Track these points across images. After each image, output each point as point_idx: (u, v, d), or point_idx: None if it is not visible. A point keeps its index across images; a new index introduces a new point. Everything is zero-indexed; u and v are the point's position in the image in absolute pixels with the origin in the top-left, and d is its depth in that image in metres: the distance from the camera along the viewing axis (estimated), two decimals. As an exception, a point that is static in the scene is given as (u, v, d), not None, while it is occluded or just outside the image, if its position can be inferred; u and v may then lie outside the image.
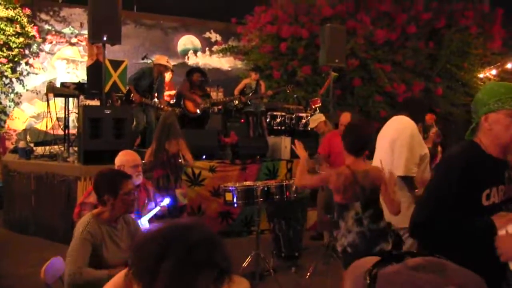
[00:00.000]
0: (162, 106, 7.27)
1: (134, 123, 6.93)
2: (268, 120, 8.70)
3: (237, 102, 8.48)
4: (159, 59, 7.27)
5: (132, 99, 7.05)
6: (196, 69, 8.20)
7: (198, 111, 7.77)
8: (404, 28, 10.33)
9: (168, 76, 9.09)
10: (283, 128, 8.70)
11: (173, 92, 9.11)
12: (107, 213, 2.72)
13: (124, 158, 3.62)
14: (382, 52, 10.13)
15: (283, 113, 8.92)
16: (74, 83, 7.83)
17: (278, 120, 8.77)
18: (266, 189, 4.50)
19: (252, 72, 8.56)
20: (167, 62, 7.31)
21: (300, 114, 8.76)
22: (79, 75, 10.70)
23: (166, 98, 8.23)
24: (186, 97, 7.75)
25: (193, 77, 7.83)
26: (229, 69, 12.52)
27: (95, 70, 6.62)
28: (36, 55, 10.39)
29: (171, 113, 5.17)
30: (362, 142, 3.00)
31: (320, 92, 9.15)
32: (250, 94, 8.37)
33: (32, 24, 10.17)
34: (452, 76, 10.85)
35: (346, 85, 10.08)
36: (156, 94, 7.27)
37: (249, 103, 8.34)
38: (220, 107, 8.94)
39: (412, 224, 1.91)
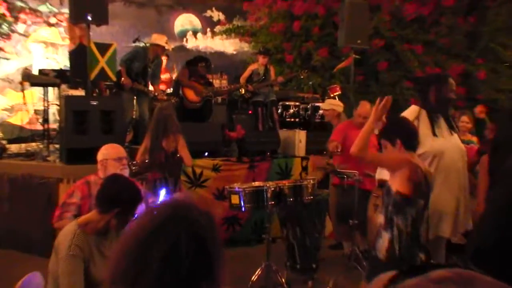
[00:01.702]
0: (157, 94, 7.29)
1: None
2: (279, 111, 8.71)
3: (243, 91, 8.47)
4: (157, 38, 7.28)
5: (122, 84, 7.07)
6: (200, 59, 8.19)
7: (199, 101, 7.78)
8: (439, 1, 10.25)
9: (163, 60, 9.10)
10: (296, 120, 8.70)
11: (167, 76, 9.10)
12: (98, 224, 2.71)
13: (106, 151, 3.71)
14: (412, 31, 10.08)
15: (297, 103, 8.91)
16: (54, 70, 7.86)
17: (291, 111, 8.77)
18: (278, 190, 4.50)
19: (260, 55, 8.55)
20: (166, 43, 7.32)
21: (317, 104, 8.74)
22: (60, 60, 10.71)
23: (162, 86, 8.26)
24: (185, 85, 7.76)
25: (197, 67, 7.85)
26: (234, 52, 12.52)
27: (79, 55, 6.66)
28: (7, 37, 10.17)
29: (168, 105, 5.17)
30: (417, 137, 3.22)
31: (335, 69, 9.12)
32: (259, 81, 8.37)
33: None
34: (497, 57, 10.67)
35: (369, 70, 10.05)
36: (150, 80, 7.31)
37: (257, 92, 8.35)
38: (224, 97, 8.95)
39: (475, 250, 1.85)
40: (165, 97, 7.57)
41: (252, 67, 8.58)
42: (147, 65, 7.13)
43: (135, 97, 7.22)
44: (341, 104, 6.72)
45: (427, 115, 3.94)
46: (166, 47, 7.41)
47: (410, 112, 4.02)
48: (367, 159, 3.30)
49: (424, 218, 3.11)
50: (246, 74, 8.47)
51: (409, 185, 3.02)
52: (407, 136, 3.15)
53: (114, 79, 7.06)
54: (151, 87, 7.31)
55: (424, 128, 3.86)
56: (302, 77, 9.05)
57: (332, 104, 6.55)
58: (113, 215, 2.65)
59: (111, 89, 7.60)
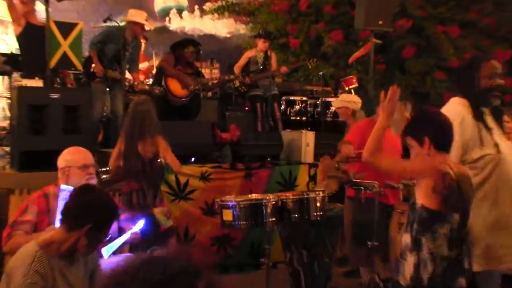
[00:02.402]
0: (136, 84, 7.28)
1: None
2: (282, 107, 8.71)
3: (238, 83, 8.47)
4: (135, 14, 7.23)
5: (92, 71, 7.03)
6: (188, 42, 8.16)
7: (186, 95, 7.76)
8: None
9: (141, 44, 9.06)
10: (303, 118, 8.71)
11: (145, 65, 9.07)
12: (63, 244, 2.69)
13: (69, 157, 3.67)
14: (447, 9, 10.11)
15: (304, 98, 8.92)
16: (3, 55, 7.77)
17: (297, 107, 8.77)
18: (280, 204, 4.48)
19: (259, 40, 8.54)
20: (146, 20, 7.29)
21: (328, 99, 8.73)
22: (11, 43, 10.55)
23: (141, 75, 8.25)
24: (169, 75, 7.73)
25: (184, 52, 7.82)
26: (228, 36, 12.51)
27: (28, 38, 6.61)
28: None
29: (145, 99, 5.14)
30: (451, 133, 3.17)
31: (350, 60, 9.11)
32: (257, 71, 8.35)
33: None
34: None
35: (393, 57, 10.08)
36: (128, 67, 7.31)
37: (255, 84, 8.34)
38: (215, 90, 8.93)
39: None
40: (146, 87, 7.56)
41: (249, 53, 8.58)
42: (123, 48, 7.09)
43: (107, 89, 7.20)
44: (358, 100, 6.70)
45: (472, 111, 3.82)
46: (147, 26, 7.37)
47: (453, 106, 3.89)
48: (380, 166, 3.32)
49: (464, 237, 3.08)
50: (241, 62, 8.47)
51: (436, 198, 3.01)
52: (438, 132, 3.13)
53: (80, 67, 7.03)
54: (128, 75, 7.29)
55: (470, 128, 3.78)
56: (310, 66, 9.04)
57: (345, 101, 6.53)
58: (84, 232, 2.64)
59: (78, 79, 7.57)
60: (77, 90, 7.13)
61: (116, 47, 7.08)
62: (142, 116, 4.78)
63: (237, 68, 8.47)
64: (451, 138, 3.18)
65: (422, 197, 3.05)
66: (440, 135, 3.13)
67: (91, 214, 2.67)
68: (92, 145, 6.31)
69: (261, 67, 8.35)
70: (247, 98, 8.59)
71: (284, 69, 8.70)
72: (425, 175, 3.05)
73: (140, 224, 3.95)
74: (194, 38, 9.33)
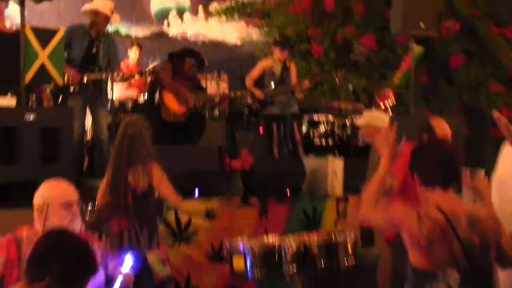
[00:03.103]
0: (122, 74, 7.32)
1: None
2: (304, 128, 8.72)
3: (250, 99, 8.46)
4: (96, 3, 7.25)
5: (67, 82, 6.98)
6: (187, 52, 8.21)
7: (184, 113, 7.75)
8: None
9: (133, 54, 9.11)
10: (330, 142, 8.69)
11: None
12: None
13: (47, 193, 3.58)
14: (506, 6, 10.04)
15: (330, 117, 8.91)
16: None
17: (322, 128, 8.77)
18: (302, 249, 4.46)
19: (276, 48, 8.54)
20: (111, 11, 7.25)
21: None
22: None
23: (130, 90, 8.25)
24: (166, 88, 7.74)
25: (183, 65, 7.85)
26: (238, 42, 12.59)
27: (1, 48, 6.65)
28: None
29: (137, 120, 5.13)
30: (454, 165, 3.14)
31: (395, 77, 9.08)
32: (274, 85, 8.35)
33: None
34: None
35: (438, 66, 10.05)
36: (107, 67, 7.26)
37: (271, 101, 8.32)
38: (223, 107, 8.93)
39: None
40: (136, 77, 7.58)
41: (264, 63, 8.59)
42: (90, 47, 7.15)
43: (87, 105, 7.20)
44: (384, 117, 6.61)
45: None
46: (111, 17, 7.29)
47: None
48: (373, 222, 3.41)
49: None
50: (255, 73, 8.47)
51: (416, 252, 2.97)
52: (425, 167, 3.14)
53: (61, 81, 7.05)
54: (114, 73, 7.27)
55: None
56: (337, 79, 9.01)
57: (370, 117, 6.45)
58: (45, 286, 2.60)
59: (56, 96, 7.59)
60: (56, 109, 7.13)
61: (83, 46, 7.14)
62: (130, 139, 4.78)
63: (249, 81, 8.44)
64: (446, 173, 3.12)
65: (410, 252, 3.01)
66: (427, 169, 3.13)
67: (55, 263, 2.60)
68: (75, 176, 6.34)
69: (279, 80, 8.33)
70: (261, 117, 8.58)
71: (306, 83, 8.68)
72: (400, 223, 3.03)
73: (128, 261, 3.89)
74: (196, 49, 9.33)
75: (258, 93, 8.32)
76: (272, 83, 8.38)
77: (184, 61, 7.87)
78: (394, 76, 9.06)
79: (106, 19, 7.28)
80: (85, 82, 7.03)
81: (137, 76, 8.22)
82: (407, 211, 3.06)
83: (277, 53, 8.43)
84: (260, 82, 8.42)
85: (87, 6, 7.26)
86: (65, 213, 3.53)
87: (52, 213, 3.53)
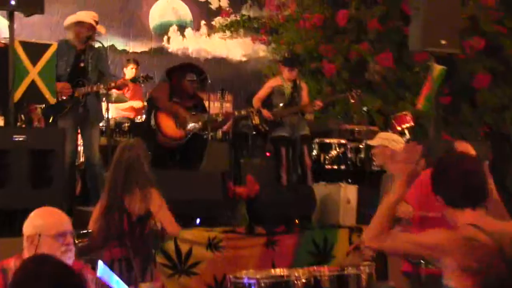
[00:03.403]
0: (114, 84, 7.22)
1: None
2: (314, 152, 8.69)
3: (257, 119, 8.49)
4: (80, 15, 7.27)
5: (57, 96, 6.95)
6: (188, 68, 8.26)
7: (180, 138, 7.75)
8: None
9: (130, 71, 9.15)
10: (342, 167, 8.69)
11: (139, 105, 9.13)
12: None
13: (39, 222, 3.55)
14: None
15: (343, 141, 8.91)
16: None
17: (333, 152, 8.74)
18: (312, 283, 4.49)
19: (285, 67, 8.57)
20: (96, 22, 7.26)
21: (374, 142, 8.73)
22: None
23: (127, 113, 8.27)
24: (162, 109, 7.76)
25: (183, 81, 7.88)
26: (243, 59, 12.63)
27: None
28: None
29: (134, 143, 5.17)
30: (481, 181, 3.14)
31: (418, 103, 9.02)
32: (283, 106, 8.37)
33: None
34: None
35: (461, 87, 10.05)
36: (99, 82, 7.24)
37: (280, 121, 8.33)
38: (226, 129, 8.94)
39: None
40: (128, 84, 7.60)
41: (273, 82, 8.63)
42: (78, 61, 7.17)
43: (77, 127, 7.21)
44: (399, 140, 6.62)
45: None
46: (97, 28, 7.29)
47: None
48: (384, 249, 3.31)
49: None
50: (263, 93, 8.49)
51: (468, 277, 2.92)
52: (450, 186, 3.13)
53: (53, 100, 7.08)
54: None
55: None
56: (353, 100, 9.02)
57: (384, 139, 6.45)
58: None
59: (47, 116, 7.62)
60: (48, 130, 7.15)
61: (69, 61, 7.16)
62: (129, 164, 4.81)
63: (257, 101, 8.45)
64: (475, 192, 3.12)
65: (451, 278, 2.99)
66: (453, 190, 3.12)
67: None
68: (67, 201, 6.35)
69: (289, 100, 8.34)
70: (269, 140, 8.58)
71: (318, 103, 8.69)
72: (444, 249, 3.00)
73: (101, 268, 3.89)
74: (197, 64, 9.38)
75: (266, 113, 8.33)
76: (281, 104, 8.40)
77: (183, 78, 7.89)
78: (418, 102, 9.00)
79: (91, 30, 7.26)
80: (76, 96, 7.03)
81: (130, 85, 8.20)
82: (449, 234, 3.04)
83: (286, 73, 8.46)
84: (268, 102, 8.44)
85: (69, 19, 7.25)
86: (58, 244, 3.49)
87: (44, 244, 3.49)
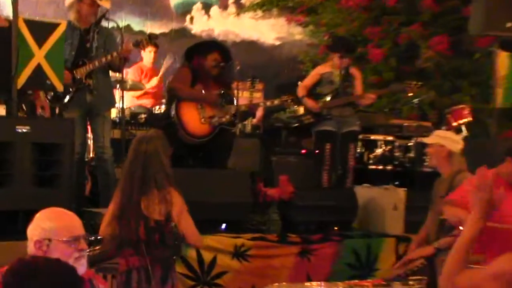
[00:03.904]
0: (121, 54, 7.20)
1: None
2: (358, 151, 8.67)
3: (301, 110, 8.52)
4: None
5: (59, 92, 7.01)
6: (210, 45, 8.24)
7: (206, 134, 7.73)
8: None
9: (148, 55, 9.18)
10: (388, 167, 8.72)
11: (154, 83, 9.18)
12: None
13: (49, 225, 3.51)
14: None
15: (389, 137, 8.93)
16: None
17: (379, 151, 8.77)
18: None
19: (334, 54, 8.47)
20: None
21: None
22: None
23: (143, 101, 8.31)
24: (183, 99, 7.74)
25: (205, 60, 7.80)
26: (277, 43, 12.61)
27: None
28: None
29: (153, 136, 5.12)
30: None
31: (497, 96, 8.94)
32: (331, 97, 8.31)
33: None
34: None
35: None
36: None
37: (327, 114, 8.24)
38: (256, 121, 8.95)
39: None
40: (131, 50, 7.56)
41: (321, 69, 8.60)
42: (81, 43, 7.24)
43: (87, 118, 7.26)
44: (458, 139, 6.59)
45: None
46: (100, 2, 7.25)
47: None
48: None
49: None
50: (310, 81, 8.49)
51: None
52: None
53: (61, 86, 7.11)
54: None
55: None
56: (411, 93, 8.97)
57: (441, 137, 6.42)
58: None
59: (54, 105, 7.67)
60: (55, 121, 7.18)
61: (73, 43, 7.23)
62: (146, 158, 4.79)
63: (302, 89, 8.37)
64: None
65: None
66: None
67: None
68: (75, 202, 6.36)
69: (339, 89, 8.25)
70: (313, 134, 8.46)
71: (372, 96, 8.58)
72: None
73: None
74: (221, 43, 9.33)
75: (312, 103, 8.29)
76: (328, 94, 8.33)
77: (206, 59, 7.74)
78: (496, 95, 8.91)
79: (93, 7, 7.28)
80: (79, 78, 7.08)
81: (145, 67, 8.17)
82: None
83: (337, 60, 8.37)
84: (315, 91, 8.38)
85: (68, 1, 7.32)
86: (71, 250, 3.44)
87: (55, 250, 3.43)
